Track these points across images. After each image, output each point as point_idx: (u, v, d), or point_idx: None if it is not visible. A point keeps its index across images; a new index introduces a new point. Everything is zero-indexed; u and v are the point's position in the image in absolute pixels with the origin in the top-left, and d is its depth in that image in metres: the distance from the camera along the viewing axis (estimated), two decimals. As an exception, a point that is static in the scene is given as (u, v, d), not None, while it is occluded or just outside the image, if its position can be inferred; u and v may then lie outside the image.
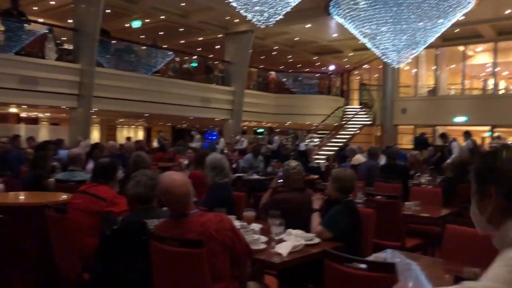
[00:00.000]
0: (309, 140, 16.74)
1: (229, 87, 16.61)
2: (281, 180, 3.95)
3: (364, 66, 21.50)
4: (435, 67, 19.01)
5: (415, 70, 19.32)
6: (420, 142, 14.37)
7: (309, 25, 16.29)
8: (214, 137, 16.50)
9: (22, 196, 4.47)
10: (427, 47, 11.99)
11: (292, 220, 3.34)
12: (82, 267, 3.15)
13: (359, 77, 22.19)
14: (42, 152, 5.50)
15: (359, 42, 12.90)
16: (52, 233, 3.42)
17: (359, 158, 8.88)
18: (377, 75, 20.75)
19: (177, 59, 16.10)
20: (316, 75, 20.53)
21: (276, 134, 13.85)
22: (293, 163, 3.89)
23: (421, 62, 19.09)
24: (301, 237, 3.17)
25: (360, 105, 20.52)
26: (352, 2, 10.77)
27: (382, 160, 8.19)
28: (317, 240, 3.22)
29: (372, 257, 2.76)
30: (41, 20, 13.81)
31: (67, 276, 3.36)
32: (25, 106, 14.56)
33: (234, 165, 9.42)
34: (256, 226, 3.42)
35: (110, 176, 3.67)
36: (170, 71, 15.46)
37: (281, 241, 3.08)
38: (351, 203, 3.53)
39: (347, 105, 20.42)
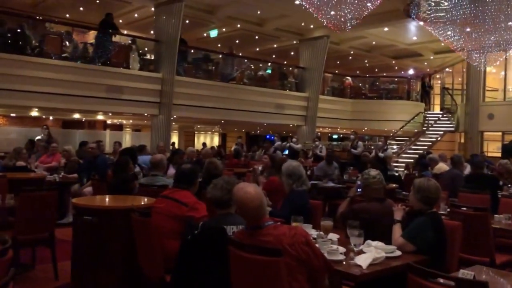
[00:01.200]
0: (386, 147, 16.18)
1: (303, 93, 16.57)
2: (360, 189, 3.83)
3: (446, 70, 20.49)
4: (526, 69, 17.64)
5: (503, 72, 18.05)
6: (509, 150, 13.37)
7: (387, 29, 15.84)
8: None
9: (109, 200, 4.73)
10: (518, 48, 11.17)
11: (371, 231, 3.24)
12: (165, 269, 3.26)
13: (440, 81, 21.20)
14: (124, 157, 5.79)
15: (441, 45, 12.34)
16: (136, 235, 3.58)
17: (442, 167, 8.45)
18: (460, 78, 19.67)
19: (252, 66, 16.35)
20: (395, 80, 19.88)
21: (360, 140, 13.43)
22: (373, 172, 3.77)
23: (510, 64, 17.80)
24: (382, 249, 3.05)
25: (442, 110, 19.58)
26: (434, 3, 10.32)
27: (467, 169, 7.72)
28: (398, 253, 3.09)
29: (459, 273, 2.59)
30: (125, 32, 14.64)
31: (150, 277, 3.49)
32: (111, 114, 15.50)
33: (308, 172, 9.33)
34: (333, 236, 3.35)
35: (191, 182, 3.79)
36: (245, 78, 15.72)
37: (360, 252, 2.99)
38: (436, 215, 3.34)
39: (428, 111, 19.55)
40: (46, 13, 14.50)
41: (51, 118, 17.51)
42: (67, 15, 15.26)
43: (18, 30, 11.06)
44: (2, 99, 10.53)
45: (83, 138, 13.63)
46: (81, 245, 4.09)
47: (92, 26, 14.35)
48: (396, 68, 22.53)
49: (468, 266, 2.98)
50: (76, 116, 16.80)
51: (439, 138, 17.49)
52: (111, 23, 12.50)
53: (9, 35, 10.86)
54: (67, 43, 11.91)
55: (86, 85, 11.31)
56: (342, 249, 3.07)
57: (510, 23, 9.68)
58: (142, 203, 4.24)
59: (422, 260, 3.03)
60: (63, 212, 7.35)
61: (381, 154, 11.19)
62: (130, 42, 13.16)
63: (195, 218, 3.30)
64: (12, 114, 16.88)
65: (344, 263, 2.88)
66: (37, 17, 13.70)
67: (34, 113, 15.68)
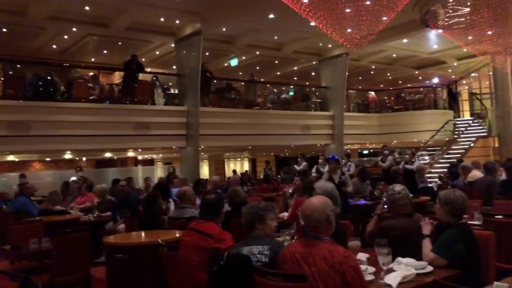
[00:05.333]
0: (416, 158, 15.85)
1: (328, 111, 16.52)
2: (386, 206, 3.78)
3: (472, 75, 20.10)
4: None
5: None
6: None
7: (406, 40, 15.74)
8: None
9: (139, 236, 4.81)
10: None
11: (401, 248, 3.19)
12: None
13: (467, 87, 20.79)
14: (153, 192, 5.90)
15: (464, 50, 12.15)
16: (167, 269, 3.63)
17: (476, 174, 8.18)
18: (488, 82, 19.23)
19: (275, 90, 16.47)
20: (420, 90, 19.61)
21: (391, 153, 13.22)
22: (398, 187, 3.71)
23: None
24: (412, 265, 2.99)
25: (472, 116, 19.13)
26: (452, 10, 10.23)
27: (503, 174, 7.47)
28: (430, 269, 3.02)
29: (493, 286, 2.50)
30: (148, 69, 15.07)
31: (182, 311, 3.51)
32: (141, 150, 15.83)
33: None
34: (362, 256, 3.30)
35: (216, 212, 3.83)
36: (269, 102, 15.83)
37: (390, 271, 2.94)
38: (465, 226, 3.25)
39: (458, 118, 19.13)
40: (72, 59, 15.09)
41: (84, 159, 18.03)
42: (92, 59, 15.84)
43: (48, 78, 11.51)
44: (37, 145, 10.92)
45: (116, 175, 13.97)
46: (115, 282, 4.17)
47: (116, 67, 14.82)
48: (420, 78, 22.25)
49: (505, 275, 2.88)
50: (108, 155, 17.23)
51: (472, 145, 17.02)
52: (137, 63, 12.85)
53: (40, 83, 11.32)
54: (94, 86, 12.31)
55: (115, 124, 11.62)
56: (371, 269, 3.02)
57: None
58: (171, 237, 4.29)
59: (455, 274, 2.96)
60: (99, 251, 7.47)
61: (409, 166, 10.97)
62: (154, 78, 13.50)
63: (222, 250, 3.32)
64: (47, 159, 17.48)
65: (374, 283, 2.84)
66: (64, 64, 14.27)
67: (68, 155, 16.19)
